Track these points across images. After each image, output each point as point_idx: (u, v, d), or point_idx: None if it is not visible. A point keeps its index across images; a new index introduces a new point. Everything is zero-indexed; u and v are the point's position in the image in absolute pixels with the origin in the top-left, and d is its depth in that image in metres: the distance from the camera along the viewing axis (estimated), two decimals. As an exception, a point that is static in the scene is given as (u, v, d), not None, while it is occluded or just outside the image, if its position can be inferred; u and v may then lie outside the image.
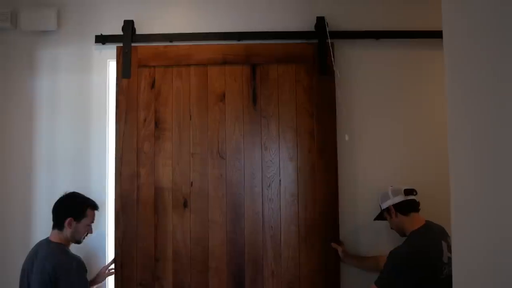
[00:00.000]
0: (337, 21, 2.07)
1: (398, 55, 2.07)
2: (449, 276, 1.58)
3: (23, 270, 1.73)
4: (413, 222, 1.70)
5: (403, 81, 2.07)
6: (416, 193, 1.74)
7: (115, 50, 2.00)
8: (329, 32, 2.02)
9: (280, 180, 1.96)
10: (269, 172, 1.97)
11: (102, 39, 2.03)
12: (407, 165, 2.02)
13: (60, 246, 1.73)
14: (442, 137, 2.02)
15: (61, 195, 1.81)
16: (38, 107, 2.06)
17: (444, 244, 1.63)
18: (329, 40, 1.99)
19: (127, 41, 2.00)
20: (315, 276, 1.91)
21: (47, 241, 1.76)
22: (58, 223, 1.76)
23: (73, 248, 1.80)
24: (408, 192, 1.73)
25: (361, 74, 2.06)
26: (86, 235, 1.82)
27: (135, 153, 1.96)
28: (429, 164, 2.02)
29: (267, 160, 1.97)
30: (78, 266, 1.69)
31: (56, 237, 1.75)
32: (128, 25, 2.02)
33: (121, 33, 2.02)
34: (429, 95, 2.06)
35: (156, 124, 1.98)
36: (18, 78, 2.07)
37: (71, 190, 1.85)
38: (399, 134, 2.04)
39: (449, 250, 1.64)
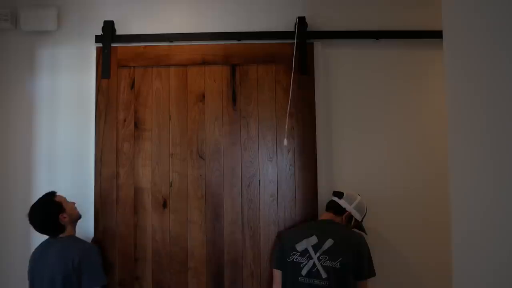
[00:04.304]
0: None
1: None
2: (295, 264, 1.67)
3: (31, 273, 1.71)
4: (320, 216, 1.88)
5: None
6: (341, 197, 1.82)
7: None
8: (310, 32, 2.01)
9: (259, 181, 1.96)
10: (249, 173, 1.97)
11: (101, 39, 2.02)
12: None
13: (72, 236, 1.77)
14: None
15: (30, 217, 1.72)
16: (38, 107, 2.06)
17: (312, 238, 1.69)
18: (310, 41, 1.99)
19: (107, 41, 2.00)
20: (294, 276, 1.92)
21: (56, 239, 1.74)
22: (56, 230, 1.74)
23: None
24: (335, 193, 1.86)
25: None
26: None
27: (114, 153, 1.97)
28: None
29: (247, 160, 1.97)
30: (98, 249, 1.79)
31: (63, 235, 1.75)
32: (108, 26, 2.02)
33: (121, 33, 2.03)
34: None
35: (136, 124, 1.99)
36: (18, 78, 2.07)
37: (53, 197, 1.82)
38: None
39: (315, 249, 1.67)
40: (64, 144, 2.04)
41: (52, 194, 1.77)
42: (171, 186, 1.96)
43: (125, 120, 1.98)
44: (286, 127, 1.94)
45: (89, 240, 1.94)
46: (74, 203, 1.82)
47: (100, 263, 1.74)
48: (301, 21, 2.01)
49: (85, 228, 1.97)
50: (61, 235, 1.75)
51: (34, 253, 1.75)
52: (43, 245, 1.76)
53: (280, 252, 1.75)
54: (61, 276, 1.62)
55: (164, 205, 1.95)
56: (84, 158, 2.02)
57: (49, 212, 1.71)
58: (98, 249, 1.78)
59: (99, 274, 1.70)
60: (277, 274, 1.76)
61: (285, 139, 1.89)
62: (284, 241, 1.76)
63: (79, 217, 1.83)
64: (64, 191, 1.99)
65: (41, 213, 1.71)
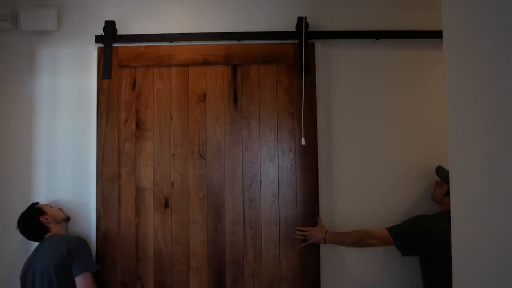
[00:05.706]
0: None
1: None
2: None
3: (24, 273, 1.78)
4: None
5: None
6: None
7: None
8: (311, 32, 2.02)
9: (260, 181, 1.97)
10: (250, 173, 1.97)
11: (102, 39, 2.02)
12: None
13: (60, 234, 1.85)
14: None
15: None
16: (38, 107, 2.06)
17: None
18: (311, 41, 2.00)
19: (108, 41, 2.00)
20: (296, 275, 1.92)
21: (44, 239, 1.83)
22: (41, 232, 1.84)
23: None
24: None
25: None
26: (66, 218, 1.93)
27: (116, 153, 1.97)
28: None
29: (248, 160, 1.98)
30: (86, 242, 1.87)
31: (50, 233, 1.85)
32: (109, 26, 2.02)
33: (121, 33, 2.03)
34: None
35: (137, 124, 1.99)
36: (18, 78, 2.06)
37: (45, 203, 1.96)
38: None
39: None
40: (64, 144, 2.03)
41: (33, 204, 1.90)
42: (172, 186, 1.96)
43: (126, 120, 1.98)
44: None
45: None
46: (59, 208, 1.92)
47: (89, 252, 1.82)
48: (302, 21, 2.01)
49: (86, 228, 1.98)
50: (48, 235, 1.83)
51: (27, 258, 1.83)
52: (35, 249, 1.84)
53: (429, 237, 1.71)
54: (52, 267, 1.70)
55: (166, 205, 1.96)
56: (84, 158, 2.02)
57: (30, 215, 1.84)
58: (86, 242, 1.86)
59: (89, 260, 1.76)
60: (387, 237, 1.77)
61: (302, 138, 1.89)
62: (440, 239, 1.67)
63: (67, 218, 1.92)
64: (64, 191, 2.01)
65: (23, 219, 1.85)
